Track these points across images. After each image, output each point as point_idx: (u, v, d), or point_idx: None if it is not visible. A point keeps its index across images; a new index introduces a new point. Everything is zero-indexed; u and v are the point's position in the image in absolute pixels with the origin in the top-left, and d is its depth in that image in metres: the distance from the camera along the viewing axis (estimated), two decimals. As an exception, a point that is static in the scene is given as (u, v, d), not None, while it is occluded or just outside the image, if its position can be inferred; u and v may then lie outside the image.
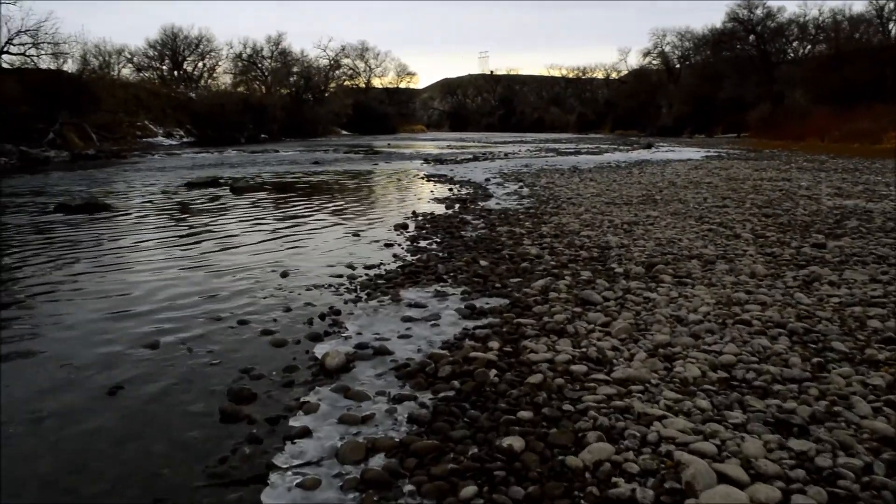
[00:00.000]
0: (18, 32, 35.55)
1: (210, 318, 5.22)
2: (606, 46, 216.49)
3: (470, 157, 29.16)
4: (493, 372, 3.83)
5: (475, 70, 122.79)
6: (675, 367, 3.87)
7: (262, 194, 14.76)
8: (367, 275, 6.58)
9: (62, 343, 4.65)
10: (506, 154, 31.62)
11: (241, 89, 65.13)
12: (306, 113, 63.97)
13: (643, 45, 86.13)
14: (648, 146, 40.06)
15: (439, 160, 26.65)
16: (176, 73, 68.37)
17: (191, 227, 10.26)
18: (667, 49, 78.68)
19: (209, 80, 67.63)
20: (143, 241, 8.83)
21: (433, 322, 4.90)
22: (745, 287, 5.62)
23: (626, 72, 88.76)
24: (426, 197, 13.75)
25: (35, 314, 5.34)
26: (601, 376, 3.76)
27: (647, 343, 4.29)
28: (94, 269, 7.11)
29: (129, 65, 66.74)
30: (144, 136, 46.06)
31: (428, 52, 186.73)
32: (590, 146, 40.97)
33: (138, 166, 24.99)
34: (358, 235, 9.00)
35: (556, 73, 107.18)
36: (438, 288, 5.87)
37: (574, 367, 3.88)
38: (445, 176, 19.00)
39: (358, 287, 6.08)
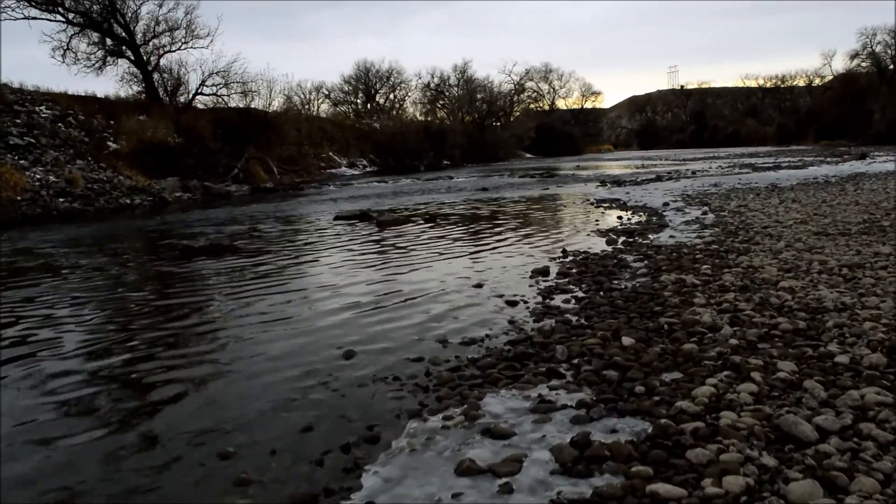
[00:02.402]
0: (211, 74, 37.09)
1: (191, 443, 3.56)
2: (807, 51, 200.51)
3: (652, 177, 26.46)
4: None
5: (664, 85, 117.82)
6: None
7: (406, 228, 13.29)
8: (457, 357, 4.69)
9: None
10: (693, 172, 28.52)
11: (429, 118, 66.19)
12: (488, 137, 63.31)
13: (850, 46, 77.71)
14: (862, 156, 35.02)
15: (617, 182, 24.25)
16: (369, 105, 70.52)
17: (297, 273, 8.85)
18: (878, 49, 70.62)
19: (399, 111, 69.10)
20: (235, 293, 7.48)
21: (505, 481, 2.90)
22: None
23: (830, 77, 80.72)
24: (587, 228, 11.64)
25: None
26: None
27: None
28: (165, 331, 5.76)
29: (327, 100, 70.22)
30: (328, 167, 47.04)
31: (614, 70, 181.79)
32: (791, 159, 36.57)
33: (308, 198, 24.72)
34: (481, 286, 7.12)
35: (752, 83, 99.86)
36: (545, 392, 3.86)
37: None
38: (619, 200, 16.71)
39: (432, 383, 4.20)
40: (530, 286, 7.03)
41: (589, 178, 28.82)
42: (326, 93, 71.20)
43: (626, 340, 4.56)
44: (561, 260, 8.52)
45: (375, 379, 4.36)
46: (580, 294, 6.44)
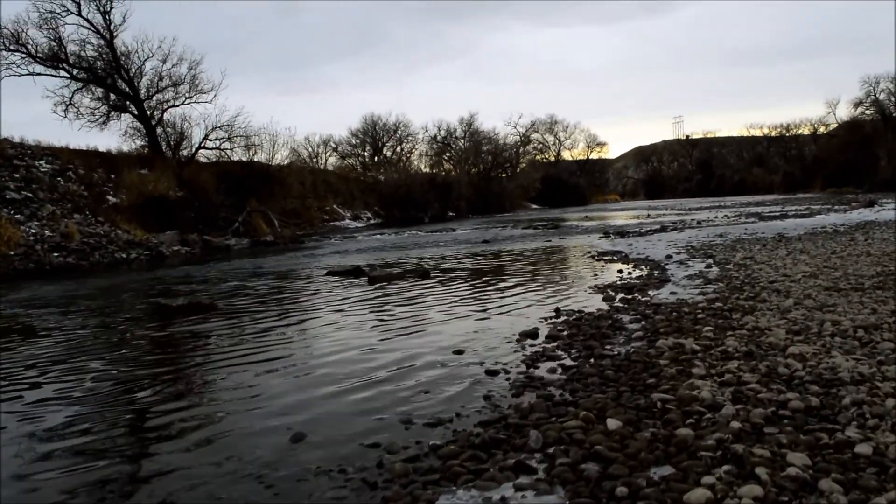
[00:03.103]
0: (214, 128, 37.08)
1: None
2: (811, 100, 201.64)
3: (657, 227, 25.93)
4: None
5: (669, 135, 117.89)
6: None
7: (398, 284, 12.73)
8: (417, 444, 4.08)
9: None
10: (699, 222, 27.98)
11: (435, 170, 66.35)
12: (494, 189, 63.21)
13: (853, 94, 78.00)
14: (870, 204, 34.42)
15: (621, 233, 23.72)
16: (376, 158, 70.79)
17: (269, 339, 8.25)
18: (881, 97, 70.66)
19: (406, 163, 69.17)
20: (193, 363, 6.90)
21: None
22: None
23: (835, 125, 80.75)
24: (585, 284, 11.05)
25: None
26: None
27: None
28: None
29: (335, 153, 70.65)
30: (332, 220, 46.78)
31: (619, 121, 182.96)
32: (798, 207, 36.04)
33: (306, 252, 24.24)
34: (462, 353, 6.52)
35: (757, 132, 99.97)
36: (510, 492, 3.25)
37: None
38: (620, 253, 16.14)
39: (383, 478, 3.59)
40: (515, 351, 6.43)
41: (593, 229, 28.32)
42: (334, 146, 71.80)
43: (612, 423, 3.94)
44: (553, 320, 7.93)
45: (319, 471, 3.75)
46: (568, 362, 5.84)
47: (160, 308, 10.91)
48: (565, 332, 7.05)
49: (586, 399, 4.60)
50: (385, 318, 9.02)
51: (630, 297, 9.26)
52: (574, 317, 7.98)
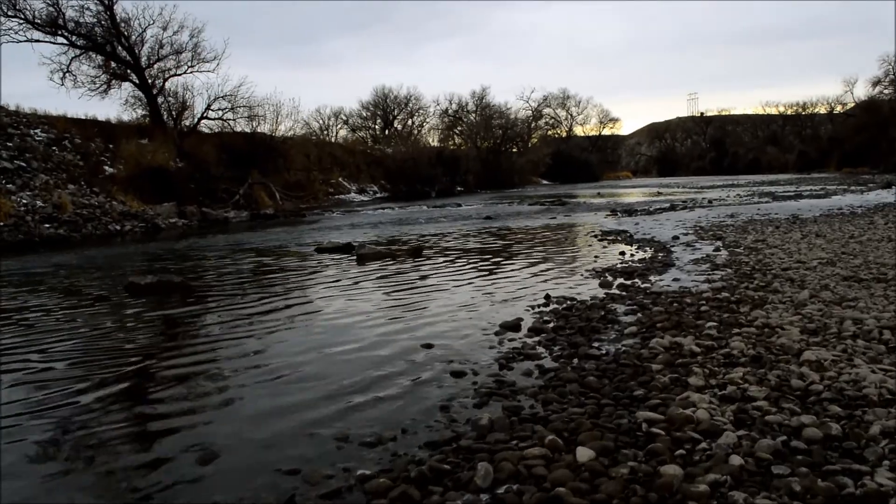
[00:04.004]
0: (217, 98, 36.26)
1: None
2: (828, 78, 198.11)
3: (666, 205, 25.02)
4: None
5: (683, 112, 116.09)
6: None
7: (387, 263, 11.98)
8: (345, 472, 3.34)
9: None
10: (710, 201, 27.03)
11: (446, 144, 65.57)
12: (503, 164, 62.17)
13: (872, 73, 75.92)
14: (888, 185, 33.25)
15: (628, 211, 22.85)
16: (387, 131, 69.99)
17: (231, 324, 7.53)
18: (901, 76, 68.86)
19: (417, 137, 68.24)
20: (137, 355, 6.19)
21: None
22: None
23: (852, 104, 79.02)
24: (583, 267, 10.27)
25: None
26: None
27: None
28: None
29: (345, 126, 69.94)
30: (337, 193, 46.05)
31: (633, 97, 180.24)
32: (813, 188, 34.96)
33: (305, 226, 23.55)
34: (431, 347, 5.76)
35: (773, 111, 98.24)
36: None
37: None
38: (626, 232, 15.32)
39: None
40: (491, 347, 5.67)
41: (600, 206, 27.43)
42: (345, 118, 71.04)
43: (583, 454, 3.19)
44: (541, 309, 7.16)
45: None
46: (548, 362, 5.08)
47: (129, 286, 10.21)
48: (551, 324, 6.28)
49: (559, 414, 3.85)
50: (361, 301, 8.28)
51: (629, 283, 8.48)
52: (564, 305, 7.22)
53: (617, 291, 7.94)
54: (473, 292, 8.59)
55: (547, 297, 7.75)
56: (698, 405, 3.73)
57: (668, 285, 8.08)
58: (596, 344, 5.49)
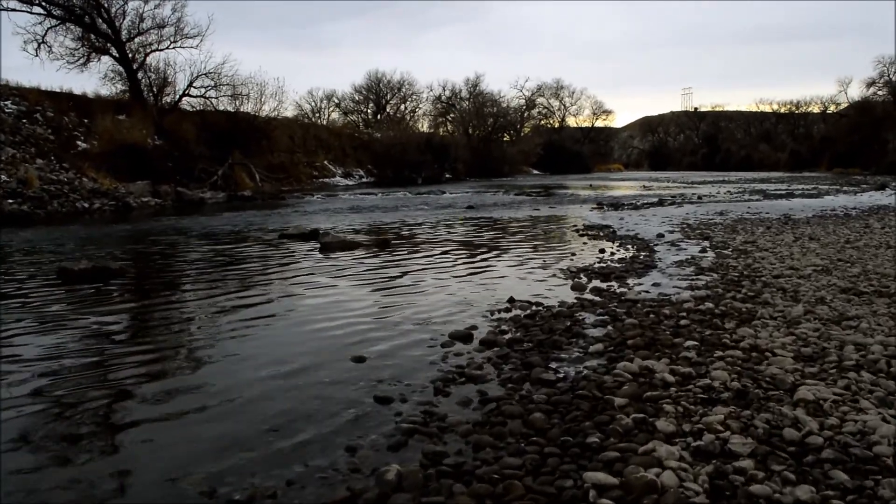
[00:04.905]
0: (200, 75, 35.18)
1: None
2: (824, 78, 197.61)
3: (654, 200, 24.22)
4: None
5: (677, 107, 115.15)
6: None
7: (351, 253, 11.14)
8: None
9: None
10: (700, 197, 26.23)
11: (439, 130, 64.81)
12: (494, 152, 61.27)
13: (866, 74, 75.33)
14: (881, 187, 32.47)
15: (615, 205, 22.04)
16: (379, 116, 69.14)
17: (154, 320, 6.69)
18: (894, 78, 68.27)
19: (411, 122, 67.36)
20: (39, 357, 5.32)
21: None
22: None
23: (845, 104, 78.55)
24: (557, 266, 9.44)
25: None
26: None
27: None
28: None
29: (338, 109, 69.10)
30: (322, 177, 45.14)
31: (627, 91, 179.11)
32: (805, 187, 34.23)
33: (281, 209, 22.63)
34: (362, 361, 4.92)
35: (766, 108, 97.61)
36: None
37: None
38: (609, 228, 14.50)
39: None
40: (432, 363, 4.83)
41: (587, 198, 26.61)
42: (337, 101, 70.19)
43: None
44: (500, 315, 6.34)
45: None
46: (493, 387, 4.25)
47: (61, 271, 9.33)
48: (507, 336, 5.46)
49: (490, 467, 3.03)
50: (303, 298, 7.43)
51: (605, 286, 7.66)
52: (528, 312, 6.39)
53: (589, 296, 7.11)
54: (432, 291, 7.75)
55: (510, 300, 6.91)
56: (665, 463, 2.92)
57: (647, 291, 7.26)
58: (554, 364, 4.66)
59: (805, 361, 4.45)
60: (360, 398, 4.11)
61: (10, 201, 22.03)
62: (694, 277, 8.06)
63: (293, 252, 11.48)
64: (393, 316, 6.43)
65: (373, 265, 9.82)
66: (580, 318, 6.02)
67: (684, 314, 5.94)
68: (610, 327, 5.61)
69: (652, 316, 5.91)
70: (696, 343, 4.94)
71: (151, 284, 8.67)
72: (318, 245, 12.19)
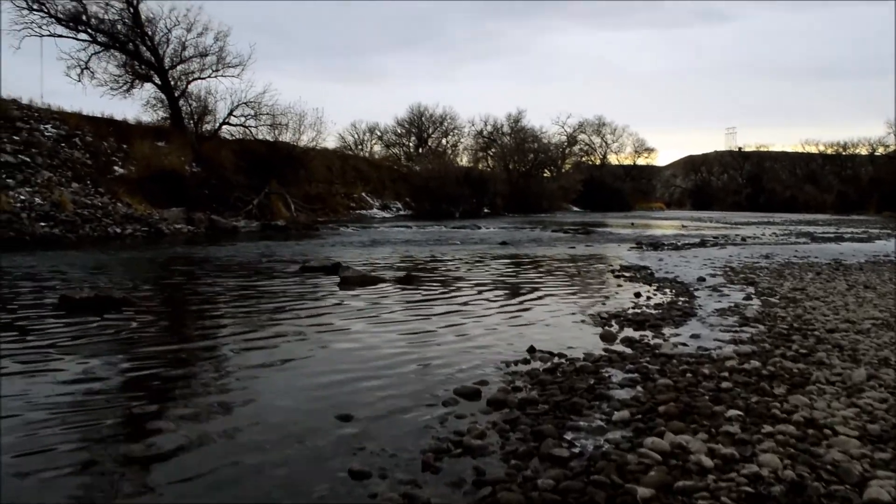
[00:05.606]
0: (240, 104, 35.32)
1: None
2: (871, 119, 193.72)
3: (696, 241, 23.30)
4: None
5: (721, 146, 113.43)
6: None
7: (371, 289, 10.56)
8: None
9: None
10: (743, 239, 25.21)
11: (479, 165, 64.64)
12: (533, 187, 60.68)
13: (917, 115, 74.23)
14: (937, 232, 31.09)
15: (654, 245, 21.18)
16: (420, 149, 69.35)
17: (156, 361, 6.12)
18: (946, 120, 66.42)
19: (452, 156, 67.35)
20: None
21: None
22: None
23: (894, 146, 76.73)
24: (588, 310, 8.71)
25: None
26: None
27: None
28: None
29: (380, 142, 69.64)
30: (359, 208, 44.92)
31: (670, 128, 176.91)
32: (854, 230, 32.93)
33: (311, 240, 22.27)
34: (349, 419, 4.27)
35: (812, 149, 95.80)
36: None
37: None
38: (647, 269, 13.71)
39: None
40: (427, 427, 4.15)
41: (626, 237, 25.77)
42: (379, 134, 70.70)
43: None
44: (517, 367, 5.64)
45: None
46: (493, 464, 3.55)
47: (62, 299, 8.89)
48: (521, 395, 4.76)
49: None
50: (308, 341, 6.81)
51: (637, 335, 6.93)
52: (548, 364, 5.69)
53: (619, 348, 6.39)
54: (447, 335, 7.08)
55: (531, 350, 6.22)
56: None
57: (684, 343, 6.51)
58: (569, 435, 3.95)
59: (873, 443, 3.69)
60: (334, 470, 3.46)
61: (42, 224, 21.99)
62: (738, 329, 7.28)
63: (310, 287, 10.93)
64: (398, 365, 5.78)
65: (389, 304, 9.19)
66: (606, 375, 5.30)
67: (726, 374, 5.19)
68: (640, 388, 4.89)
69: (689, 375, 5.17)
70: (739, 413, 4.19)
71: (148, 318, 8.13)
72: (339, 280, 11.62)
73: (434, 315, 8.39)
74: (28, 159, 25.25)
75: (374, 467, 3.49)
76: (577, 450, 3.72)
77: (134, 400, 4.71)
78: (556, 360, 5.86)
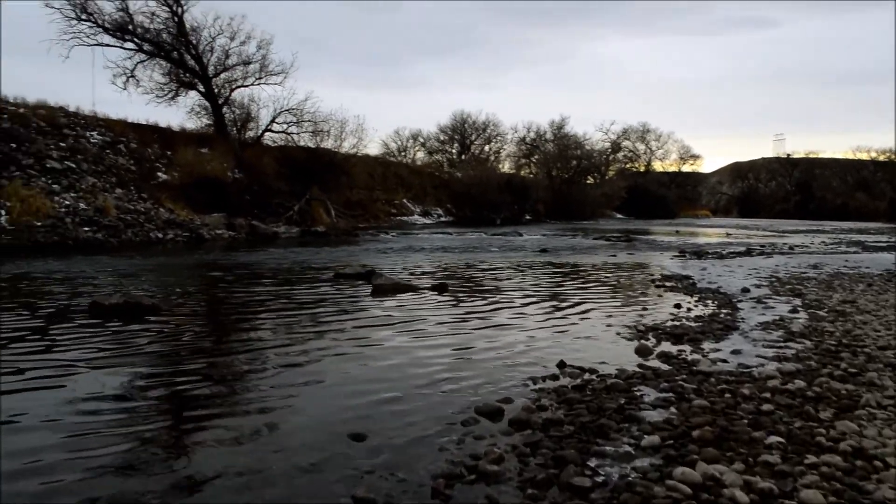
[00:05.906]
0: (282, 111, 35.61)
1: None
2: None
3: (742, 249, 22.66)
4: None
5: (768, 153, 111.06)
6: None
7: (403, 297, 10.38)
8: None
9: None
10: (791, 247, 24.47)
11: (522, 171, 64.44)
12: (576, 194, 60.08)
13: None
14: None
15: (698, 253, 20.64)
16: (463, 156, 69.38)
17: (167, 367, 6.00)
18: None
19: (494, 163, 67.24)
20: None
21: None
22: None
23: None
24: (624, 321, 8.38)
25: None
26: None
27: None
28: None
29: (423, 148, 69.91)
30: (400, 214, 44.92)
31: (716, 134, 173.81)
32: (909, 239, 31.84)
33: (350, 246, 22.24)
34: (362, 439, 4.05)
35: (864, 156, 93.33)
36: None
37: None
38: (689, 279, 13.29)
39: None
40: (442, 449, 3.91)
41: (669, 245, 25.20)
42: (422, 141, 70.91)
43: None
44: (545, 383, 5.37)
45: None
46: (507, 495, 3.28)
47: (92, 305, 8.86)
48: (546, 414, 4.49)
49: None
50: (330, 352, 6.62)
51: (675, 350, 6.60)
52: (578, 381, 5.41)
53: (655, 363, 6.07)
54: (475, 347, 6.83)
55: (560, 364, 5.94)
56: None
57: (724, 360, 6.17)
58: (593, 461, 3.68)
59: (930, 479, 3.34)
60: (337, 496, 3.24)
61: (86, 229, 22.34)
62: (782, 344, 6.90)
63: (342, 294, 10.78)
64: (419, 377, 5.55)
65: (420, 313, 8.97)
66: (638, 393, 5.00)
67: (768, 395, 4.85)
68: (673, 409, 4.58)
69: (727, 396, 4.84)
70: (780, 440, 3.87)
71: (175, 327, 8.04)
72: (371, 288, 11.45)
73: (464, 325, 8.16)
74: (73, 165, 25.68)
75: (381, 494, 3.26)
76: (600, 479, 3.45)
77: (138, 419, 4.57)
78: (586, 375, 5.58)
